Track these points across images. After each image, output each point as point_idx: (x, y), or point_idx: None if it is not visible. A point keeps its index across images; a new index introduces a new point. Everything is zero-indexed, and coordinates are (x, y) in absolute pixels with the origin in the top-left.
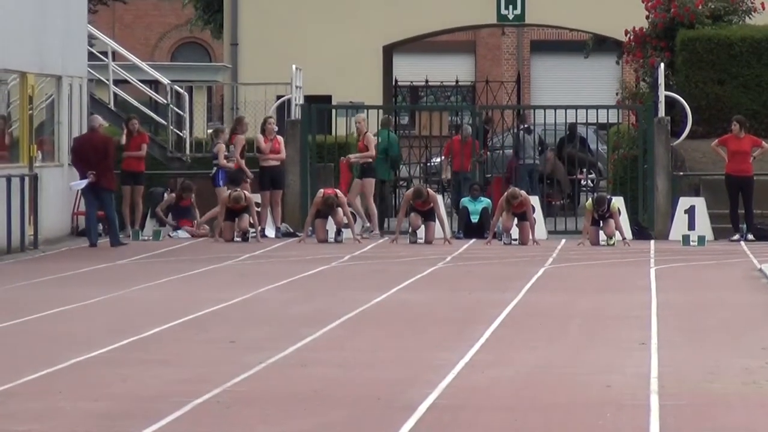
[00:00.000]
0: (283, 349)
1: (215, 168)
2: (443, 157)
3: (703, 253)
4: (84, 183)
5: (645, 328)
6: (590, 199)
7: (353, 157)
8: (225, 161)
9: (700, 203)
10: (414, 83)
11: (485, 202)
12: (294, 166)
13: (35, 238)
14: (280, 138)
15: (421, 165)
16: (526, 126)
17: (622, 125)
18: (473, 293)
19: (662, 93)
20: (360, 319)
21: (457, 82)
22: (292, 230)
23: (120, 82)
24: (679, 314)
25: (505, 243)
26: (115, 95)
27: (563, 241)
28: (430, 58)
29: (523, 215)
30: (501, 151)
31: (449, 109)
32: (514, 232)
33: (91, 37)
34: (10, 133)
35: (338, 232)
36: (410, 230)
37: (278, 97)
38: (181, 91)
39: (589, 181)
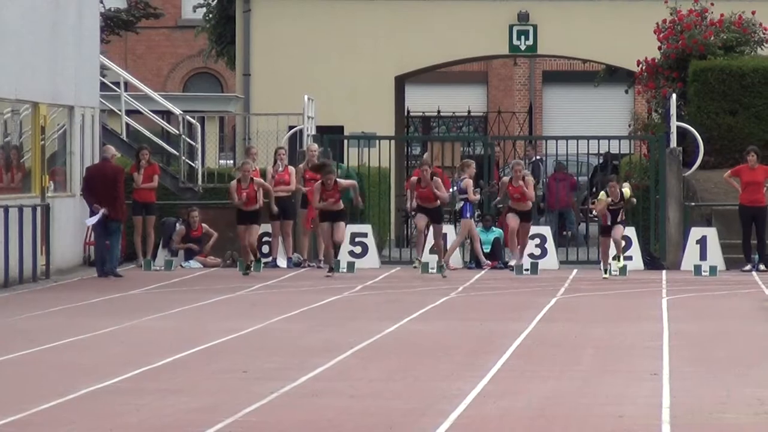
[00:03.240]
0: (295, 379)
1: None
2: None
3: (715, 284)
4: (96, 218)
5: (657, 358)
6: (603, 191)
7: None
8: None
9: (711, 233)
10: (426, 114)
11: (497, 232)
12: None
13: (47, 268)
14: (291, 168)
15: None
16: (538, 157)
17: (633, 156)
18: (485, 323)
19: (674, 123)
20: (372, 349)
21: (469, 112)
22: (303, 259)
23: (132, 113)
24: (691, 344)
25: (514, 267)
26: (128, 125)
27: (575, 271)
28: (442, 89)
29: (526, 215)
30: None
31: (461, 139)
32: (526, 262)
33: (103, 68)
34: (22, 163)
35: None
36: (418, 259)
37: (290, 128)
38: (194, 121)
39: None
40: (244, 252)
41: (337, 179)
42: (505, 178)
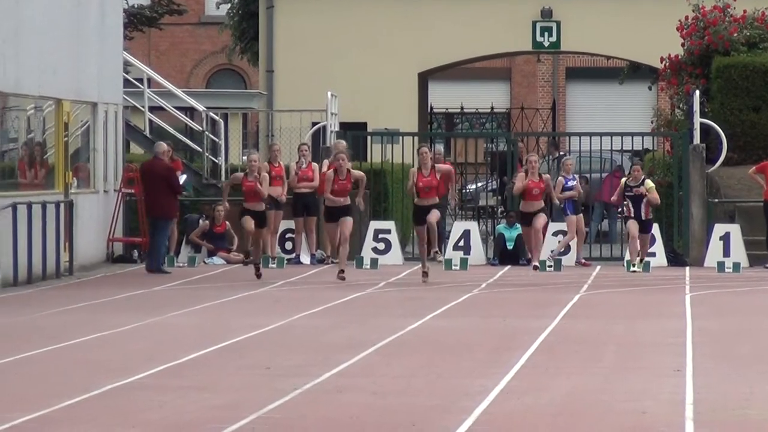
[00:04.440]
0: (318, 376)
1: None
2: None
3: (738, 280)
4: (185, 177)
5: (680, 354)
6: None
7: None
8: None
9: (735, 230)
10: (449, 110)
11: (520, 229)
12: None
13: (70, 265)
14: (314, 165)
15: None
16: (562, 153)
17: (657, 152)
18: (508, 320)
19: (697, 120)
20: (395, 345)
21: (492, 109)
22: (326, 256)
23: (155, 109)
24: (715, 341)
25: (539, 264)
26: (151, 122)
27: (598, 267)
28: (466, 85)
29: (538, 212)
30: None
31: (484, 136)
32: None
33: (126, 64)
34: (45, 159)
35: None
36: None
37: (313, 124)
38: (217, 118)
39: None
40: (255, 253)
41: (351, 169)
42: (521, 173)
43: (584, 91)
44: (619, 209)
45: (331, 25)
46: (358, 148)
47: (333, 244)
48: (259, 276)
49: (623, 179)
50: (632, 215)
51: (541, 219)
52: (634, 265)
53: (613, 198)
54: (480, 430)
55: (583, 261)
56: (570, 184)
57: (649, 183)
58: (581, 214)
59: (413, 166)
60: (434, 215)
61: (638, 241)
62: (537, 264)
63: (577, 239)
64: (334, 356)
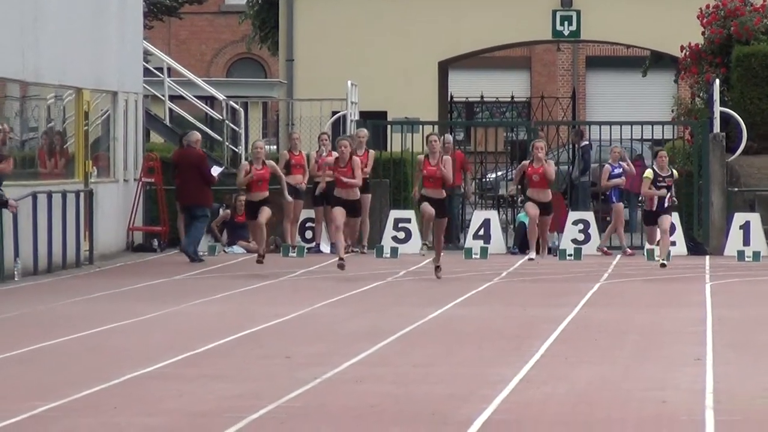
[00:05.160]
0: (338, 365)
1: None
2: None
3: (758, 269)
4: (220, 170)
5: (700, 343)
6: (648, 168)
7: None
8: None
9: (755, 219)
10: (469, 99)
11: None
12: None
13: (90, 254)
14: (334, 153)
15: (476, 180)
16: (586, 142)
17: (677, 141)
18: (528, 309)
19: (717, 109)
20: (415, 334)
21: (512, 98)
22: (347, 245)
23: (175, 98)
24: (735, 330)
25: (530, 258)
26: (171, 111)
27: (618, 256)
28: (486, 74)
29: (546, 206)
30: (557, 167)
31: (505, 125)
32: (569, 247)
33: (146, 53)
34: (66, 148)
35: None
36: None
37: (333, 113)
38: (237, 107)
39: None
40: (258, 245)
41: (354, 155)
42: (525, 162)
43: (604, 80)
44: (640, 201)
45: (352, 15)
46: (377, 138)
47: (337, 230)
48: (260, 261)
49: (648, 171)
50: (654, 208)
51: (547, 218)
52: (664, 260)
53: (645, 200)
54: (500, 419)
55: (605, 249)
56: (617, 171)
57: (675, 174)
58: (621, 203)
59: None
60: (441, 227)
61: (657, 231)
62: (533, 256)
63: (619, 228)
64: (354, 345)
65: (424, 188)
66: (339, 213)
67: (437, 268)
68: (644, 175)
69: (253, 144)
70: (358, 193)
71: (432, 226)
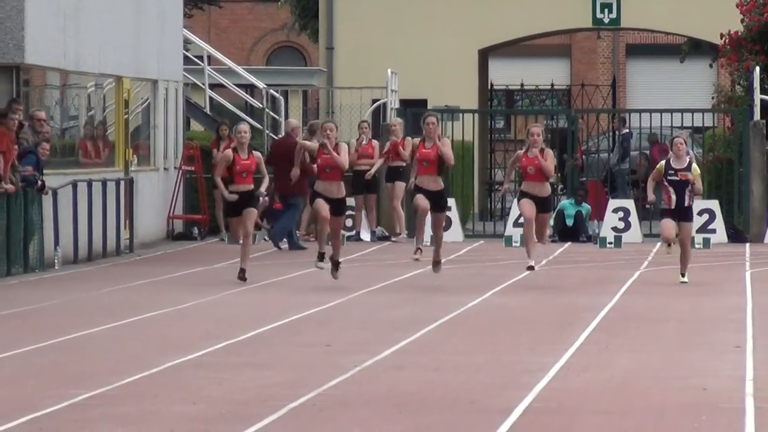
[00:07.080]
0: (379, 353)
1: None
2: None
3: None
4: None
5: (740, 331)
6: (663, 161)
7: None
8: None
9: None
10: (509, 87)
11: (585, 208)
12: None
13: (131, 242)
14: (375, 142)
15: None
16: (627, 130)
17: (717, 129)
18: (569, 296)
19: (757, 96)
20: (455, 322)
21: (552, 85)
22: (387, 233)
23: (215, 86)
24: None
25: (528, 267)
26: (211, 99)
27: (658, 244)
28: (526, 62)
29: (543, 202)
30: (597, 155)
31: (545, 113)
32: (610, 235)
33: (186, 42)
34: (106, 137)
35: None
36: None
37: (374, 101)
38: (277, 95)
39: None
40: (242, 252)
41: (340, 142)
42: (520, 151)
43: (644, 67)
44: (647, 203)
45: (392, 2)
46: (418, 126)
47: (323, 227)
48: (242, 279)
49: (662, 162)
50: (672, 206)
51: (545, 215)
52: (683, 276)
53: (648, 187)
54: (540, 406)
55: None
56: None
57: (696, 169)
58: None
59: (473, 142)
60: (439, 222)
61: (688, 245)
62: (532, 264)
63: None
64: (395, 333)
65: (419, 175)
66: (322, 205)
67: (436, 263)
68: (657, 167)
69: (235, 128)
70: (343, 190)
71: (428, 223)
